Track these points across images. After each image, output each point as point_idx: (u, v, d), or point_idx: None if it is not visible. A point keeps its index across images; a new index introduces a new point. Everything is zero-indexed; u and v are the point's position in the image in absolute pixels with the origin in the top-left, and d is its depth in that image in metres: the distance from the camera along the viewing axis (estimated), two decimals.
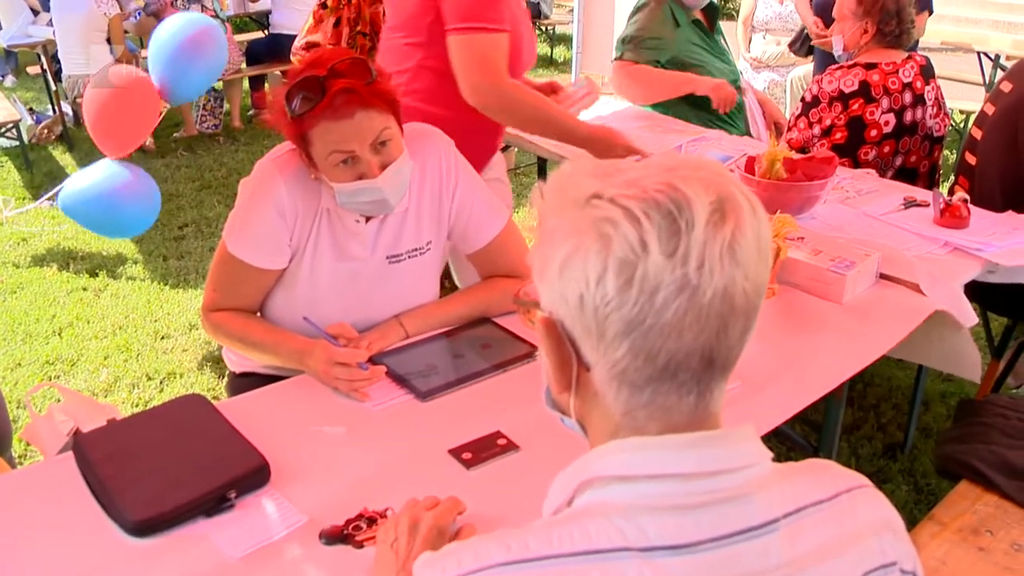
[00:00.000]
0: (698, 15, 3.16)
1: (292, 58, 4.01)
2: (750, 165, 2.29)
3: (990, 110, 2.60)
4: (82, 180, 3.20)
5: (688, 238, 0.64)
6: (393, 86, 1.59)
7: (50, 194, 3.23)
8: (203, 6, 5.53)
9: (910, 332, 1.79)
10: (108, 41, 5.50)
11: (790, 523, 0.71)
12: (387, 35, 2.31)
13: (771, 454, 0.73)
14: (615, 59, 3.17)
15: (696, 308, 0.65)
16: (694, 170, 0.69)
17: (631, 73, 3.11)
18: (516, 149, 4.51)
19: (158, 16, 5.57)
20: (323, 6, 3.71)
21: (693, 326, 0.66)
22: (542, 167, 3.78)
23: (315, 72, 1.50)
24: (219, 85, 6.18)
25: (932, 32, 4.65)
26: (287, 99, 1.53)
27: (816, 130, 2.72)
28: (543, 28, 9.19)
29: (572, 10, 5.27)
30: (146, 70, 3.26)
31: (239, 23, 7.42)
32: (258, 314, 1.79)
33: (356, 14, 3.73)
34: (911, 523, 1.73)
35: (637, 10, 3.15)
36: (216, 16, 5.61)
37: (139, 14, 5.82)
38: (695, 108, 3.18)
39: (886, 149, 2.69)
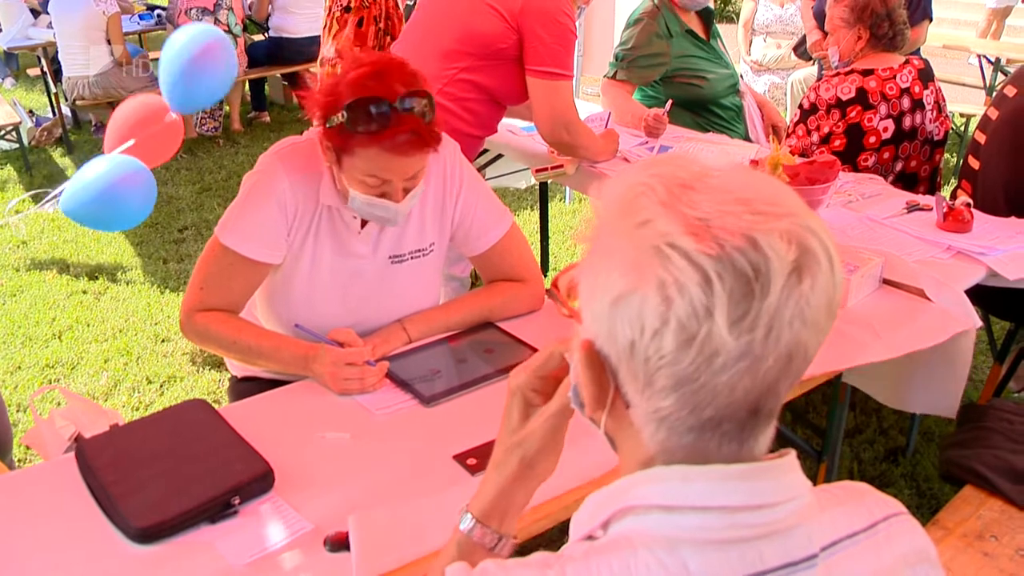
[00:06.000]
0: (692, 24, 3.15)
1: (320, 68, 3.98)
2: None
3: (993, 114, 2.59)
4: (82, 178, 3.15)
5: (760, 304, 0.61)
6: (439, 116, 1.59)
7: (51, 196, 3.17)
8: (216, 19, 5.50)
9: (931, 345, 1.79)
10: (108, 41, 5.48)
11: (827, 557, 0.69)
12: (425, 37, 2.46)
13: (810, 484, 0.71)
14: (606, 76, 3.18)
15: (754, 373, 0.63)
16: (776, 217, 0.62)
17: (614, 96, 3.16)
18: None
19: (172, 23, 5.56)
20: (345, 9, 3.72)
21: (747, 385, 0.63)
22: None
23: (383, 95, 1.48)
24: None
25: (931, 35, 4.64)
26: (347, 108, 1.49)
27: (815, 137, 2.71)
28: None
29: None
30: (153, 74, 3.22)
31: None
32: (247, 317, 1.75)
33: (381, 11, 3.75)
34: None
35: (630, 25, 3.15)
36: (229, 31, 5.55)
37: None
38: (693, 114, 3.19)
39: (886, 155, 2.69)
